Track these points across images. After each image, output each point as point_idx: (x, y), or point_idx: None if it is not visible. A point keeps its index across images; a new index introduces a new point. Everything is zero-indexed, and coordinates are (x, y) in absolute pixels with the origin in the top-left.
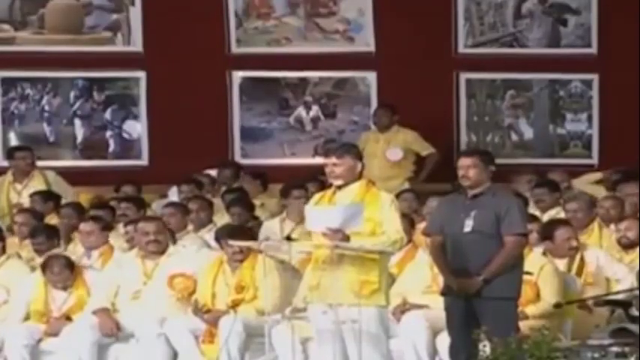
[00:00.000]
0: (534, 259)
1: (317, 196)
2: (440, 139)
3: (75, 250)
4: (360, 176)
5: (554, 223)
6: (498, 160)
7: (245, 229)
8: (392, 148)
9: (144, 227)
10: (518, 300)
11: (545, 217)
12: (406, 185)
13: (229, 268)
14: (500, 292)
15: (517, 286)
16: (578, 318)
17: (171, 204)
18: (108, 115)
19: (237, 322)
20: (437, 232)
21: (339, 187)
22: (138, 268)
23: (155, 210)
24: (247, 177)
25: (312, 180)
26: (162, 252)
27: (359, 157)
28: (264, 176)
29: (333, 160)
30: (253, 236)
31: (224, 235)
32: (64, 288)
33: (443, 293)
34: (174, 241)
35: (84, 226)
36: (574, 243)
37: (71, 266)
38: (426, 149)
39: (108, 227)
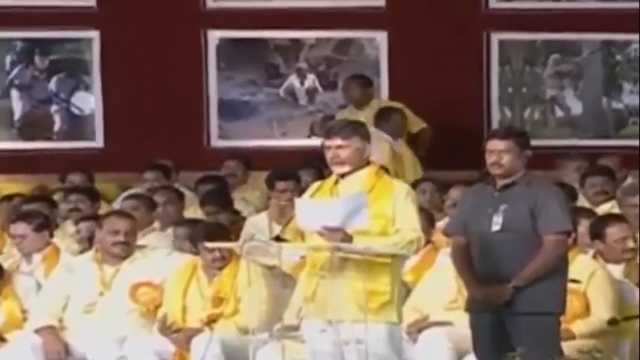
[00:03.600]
0: (582, 264)
1: (314, 186)
2: (466, 116)
3: (12, 253)
4: (368, 161)
5: (606, 218)
6: (539, 142)
7: (227, 228)
8: (373, 127)
9: (114, 224)
10: (560, 315)
11: (598, 213)
12: None
13: (205, 275)
14: (538, 306)
15: (559, 297)
16: (637, 337)
17: (134, 195)
18: (53, 85)
19: (214, 343)
20: (459, 231)
21: (342, 176)
22: (93, 275)
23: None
24: (236, 164)
25: (307, 166)
26: (127, 256)
27: (367, 137)
28: (248, 163)
29: (338, 141)
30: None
31: (201, 235)
32: None
33: (467, 308)
34: None
35: (14, 229)
36: (631, 244)
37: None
38: (415, 125)
39: (47, 225)
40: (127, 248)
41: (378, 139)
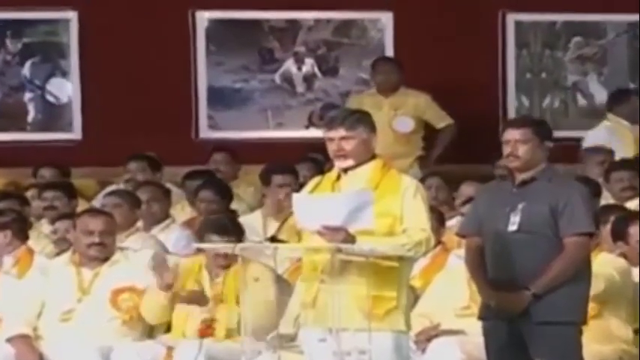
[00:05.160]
0: (605, 262)
1: (313, 181)
2: (479, 104)
3: None
4: (373, 154)
5: (629, 217)
6: (560, 133)
7: (238, 223)
8: (400, 117)
9: (87, 224)
10: (582, 325)
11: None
12: (415, 166)
13: (208, 275)
14: (557, 314)
15: (581, 305)
16: None
17: (116, 192)
18: (26, 70)
19: (203, 354)
20: (474, 231)
21: (345, 170)
22: (71, 280)
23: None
24: (223, 157)
25: (306, 160)
26: (105, 259)
27: (373, 128)
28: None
29: (341, 132)
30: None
31: (209, 230)
32: None
33: (481, 317)
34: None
35: None
36: None
37: None
38: (442, 120)
39: (21, 224)
40: (104, 249)
41: (617, 128)
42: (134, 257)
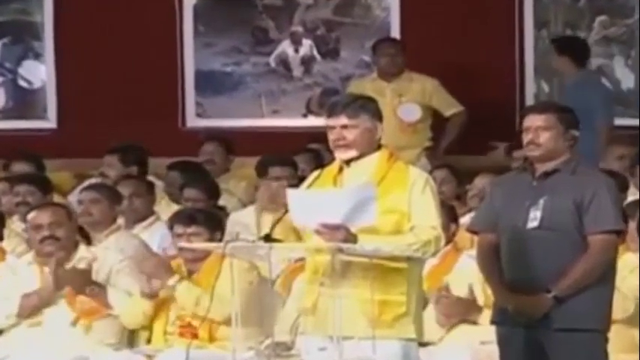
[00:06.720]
0: (630, 268)
1: (312, 175)
2: (495, 90)
3: None
4: (379, 145)
5: None
6: None
7: (213, 215)
8: (405, 104)
9: (35, 219)
10: (606, 332)
11: None
12: (423, 158)
13: (186, 273)
14: (582, 321)
15: (605, 310)
16: None
17: (94, 186)
18: None
19: None
20: (487, 227)
21: (348, 162)
22: (36, 281)
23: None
24: (215, 148)
25: (303, 151)
26: (65, 254)
27: (379, 116)
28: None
29: (343, 120)
30: (223, 226)
31: (174, 222)
32: None
33: (495, 321)
34: (89, 242)
35: None
36: None
37: None
38: (451, 107)
39: None
40: (57, 242)
41: None
42: (104, 254)
